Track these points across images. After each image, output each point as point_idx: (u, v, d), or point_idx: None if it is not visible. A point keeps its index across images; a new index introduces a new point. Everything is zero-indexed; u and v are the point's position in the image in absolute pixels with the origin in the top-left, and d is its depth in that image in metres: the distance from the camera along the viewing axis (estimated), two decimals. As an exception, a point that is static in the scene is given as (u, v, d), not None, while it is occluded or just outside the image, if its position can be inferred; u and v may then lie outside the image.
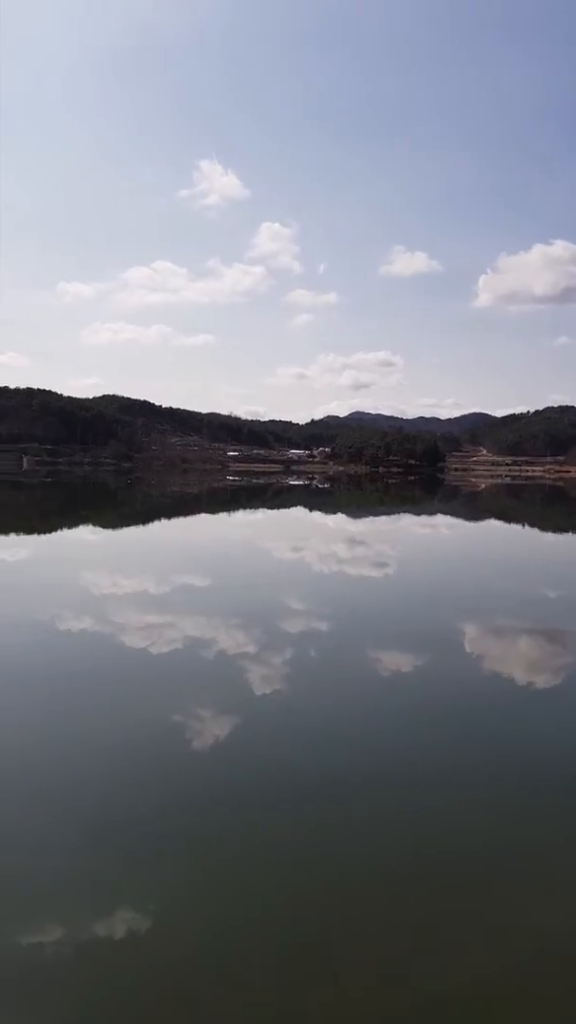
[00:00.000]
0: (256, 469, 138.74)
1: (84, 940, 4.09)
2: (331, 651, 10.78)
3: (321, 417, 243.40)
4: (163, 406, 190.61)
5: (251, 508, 48.59)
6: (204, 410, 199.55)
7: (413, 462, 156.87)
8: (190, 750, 6.76)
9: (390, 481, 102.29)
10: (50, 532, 29.93)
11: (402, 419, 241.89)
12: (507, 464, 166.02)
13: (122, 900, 4.45)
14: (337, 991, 3.82)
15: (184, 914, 4.40)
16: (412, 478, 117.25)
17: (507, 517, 45.29)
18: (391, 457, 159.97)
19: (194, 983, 3.82)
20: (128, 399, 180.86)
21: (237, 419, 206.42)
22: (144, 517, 38.73)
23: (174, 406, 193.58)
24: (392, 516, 44.47)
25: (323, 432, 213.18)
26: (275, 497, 61.18)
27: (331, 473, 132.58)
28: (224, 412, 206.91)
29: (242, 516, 41.97)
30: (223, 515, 42.19)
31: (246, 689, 8.64)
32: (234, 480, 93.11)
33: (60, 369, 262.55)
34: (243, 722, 7.51)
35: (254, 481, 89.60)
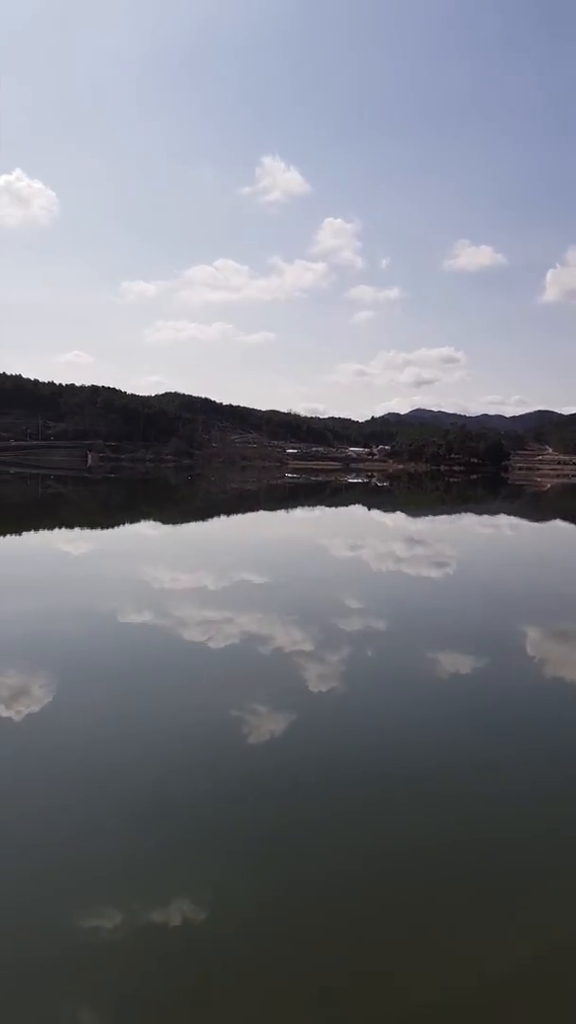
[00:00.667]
0: (315, 467, 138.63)
1: (140, 924, 4.17)
2: (387, 651, 10.69)
3: (381, 414, 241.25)
4: (223, 403, 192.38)
5: (309, 506, 48.60)
6: (264, 407, 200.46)
7: (476, 460, 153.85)
8: (243, 742, 6.80)
9: (452, 480, 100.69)
10: (112, 527, 30.61)
11: (465, 416, 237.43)
12: (574, 463, 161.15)
13: (169, 883, 4.51)
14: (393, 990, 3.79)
15: (237, 898, 4.43)
16: (474, 477, 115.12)
17: (574, 518, 43.99)
18: (453, 455, 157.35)
19: (246, 968, 3.85)
20: (189, 396, 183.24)
21: (297, 416, 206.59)
22: (203, 513, 39.22)
23: (234, 403, 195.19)
24: (453, 515, 43.77)
25: (383, 430, 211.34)
26: (333, 495, 61.02)
27: (391, 471, 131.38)
28: (284, 409, 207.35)
29: (300, 513, 42.03)
30: (281, 512, 42.35)
31: (299, 685, 8.64)
32: (293, 477, 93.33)
33: (123, 367, 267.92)
34: (295, 718, 7.51)
35: (313, 479, 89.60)
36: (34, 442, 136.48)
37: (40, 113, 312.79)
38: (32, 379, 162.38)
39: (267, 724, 7.31)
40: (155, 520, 34.10)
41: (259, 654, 9.98)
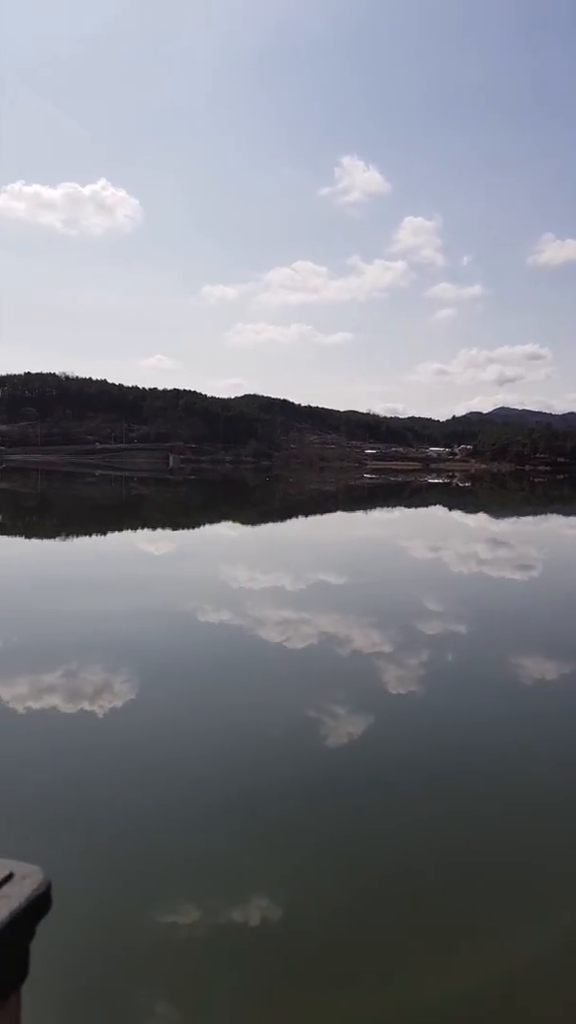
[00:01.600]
0: (394, 467, 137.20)
1: (219, 922, 4.15)
2: (467, 655, 10.38)
3: (463, 413, 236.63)
4: (302, 404, 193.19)
5: (388, 506, 48.09)
6: (342, 408, 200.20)
7: (562, 460, 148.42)
8: (317, 742, 6.71)
9: (536, 480, 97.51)
10: (192, 528, 31.17)
11: (551, 415, 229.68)
12: None
13: (242, 879, 4.47)
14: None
15: (311, 897, 4.35)
16: (561, 477, 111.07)
17: None
18: (538, 455, 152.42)
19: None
20: (268, 398, 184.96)
21: (375, 416, 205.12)
22: (281, 514, 39.41)
23: (312, 404, 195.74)
24: (539, 516, 42.32)
25: (465, 429, 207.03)
26: (413, 495, 60.17)
27: (473, 471, 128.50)
28: (362, 410, 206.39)
29: (379, 514, 41.63)
30: (359, 513, 42.06)
31: (376, 687, 8.48)
32: (371, 478, 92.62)
33: (204, 370, 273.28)
34: (371, 720, 7.37)
35: (392, 479, 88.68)
36: (118, 445, 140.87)
37: (123, 124, 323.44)
38: (117, 383, 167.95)
39: (342, 725, 7.20)
40: (234, 521, 34.49)
41: (336, 655, 9.87)
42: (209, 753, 6.50)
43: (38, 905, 0.75)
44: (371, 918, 4.35)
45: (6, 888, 0.75)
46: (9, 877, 0.76)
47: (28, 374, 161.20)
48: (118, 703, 7.62)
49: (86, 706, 7.47)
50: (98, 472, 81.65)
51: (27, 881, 0.76)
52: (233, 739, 6.84)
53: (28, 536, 25.62)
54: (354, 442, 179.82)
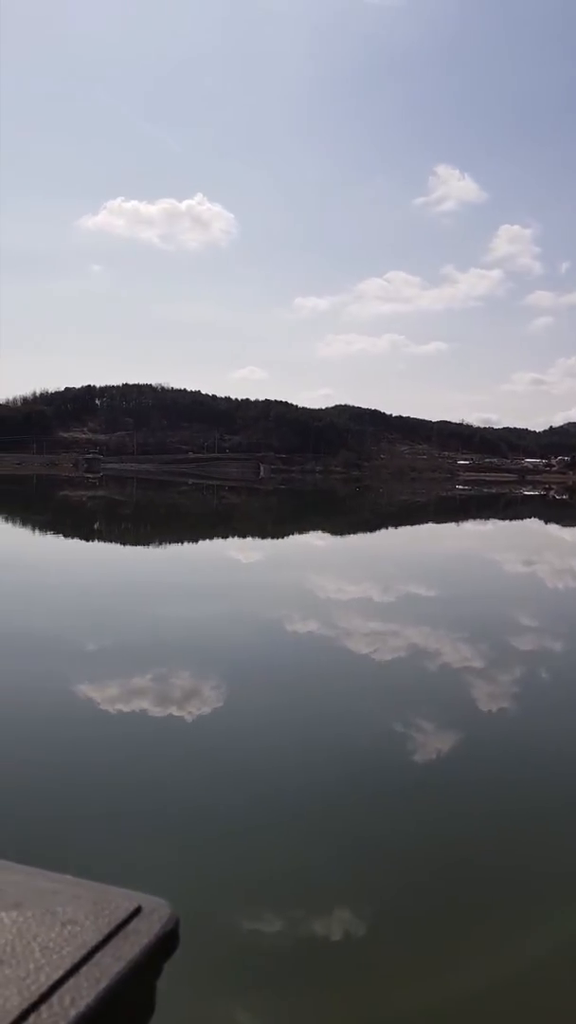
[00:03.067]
0: (487, 478, 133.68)
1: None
2: (563, 672, 9.88)
3: (561, 424, 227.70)
4: (392, 415, 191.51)
5: (481, 519, 46.84)
6: (434, 418, 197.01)
7: None
8: (404, 758, 6.52)
9: None
10: (281, 537, 31.36)
11: None
12: None
13: (322, 887, 4.37)
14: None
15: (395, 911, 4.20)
16: None
17: None
18: None
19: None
20: (358, 408, 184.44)
21: (468, 427, 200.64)
22: (371, 525, 39.09)
23: (403, 414, 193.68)
24: None
25: (562, 440, 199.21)
26: (507, 508, 58.38)
27: (570, 483, 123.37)
28: (455, 420, 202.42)
29: (471, 527, 40.61)
30: (451, 525, 41.16)
31: (465, 704, 8.19)
32: (463, 489, 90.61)
33: (295, 381, 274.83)
34: (460, 737, 7.11)
35: (485, 491, 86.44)
36: (210, 454, 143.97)
37: (219, 139, 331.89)
38: (210, 394, 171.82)
39: (431, 741, 6.99)
40: (323, 531, 34.48)
41: (425, 669, 9.63)
42: (295, 765, 6.43)
43: (167, 942, 0.70)
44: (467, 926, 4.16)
45: (135, 923, 0.70)
46: (137, 911, 0.71)
47: (126, 385, 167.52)
48: (206, 709, 7.68)
49: (174, 711, 7.57)
50: (191, 481, 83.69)
51: (155, 915, 0.71)
52: (318, 752, 6.75)
53: (122, 543, 26.50)
54: (446, 453, 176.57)
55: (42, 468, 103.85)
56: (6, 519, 31.62)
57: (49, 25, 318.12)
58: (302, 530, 34.88)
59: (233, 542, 27.60)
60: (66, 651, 9.75)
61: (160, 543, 26.46)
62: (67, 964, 0.62)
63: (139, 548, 24.92)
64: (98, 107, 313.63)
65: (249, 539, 28.81)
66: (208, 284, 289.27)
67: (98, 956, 0.64)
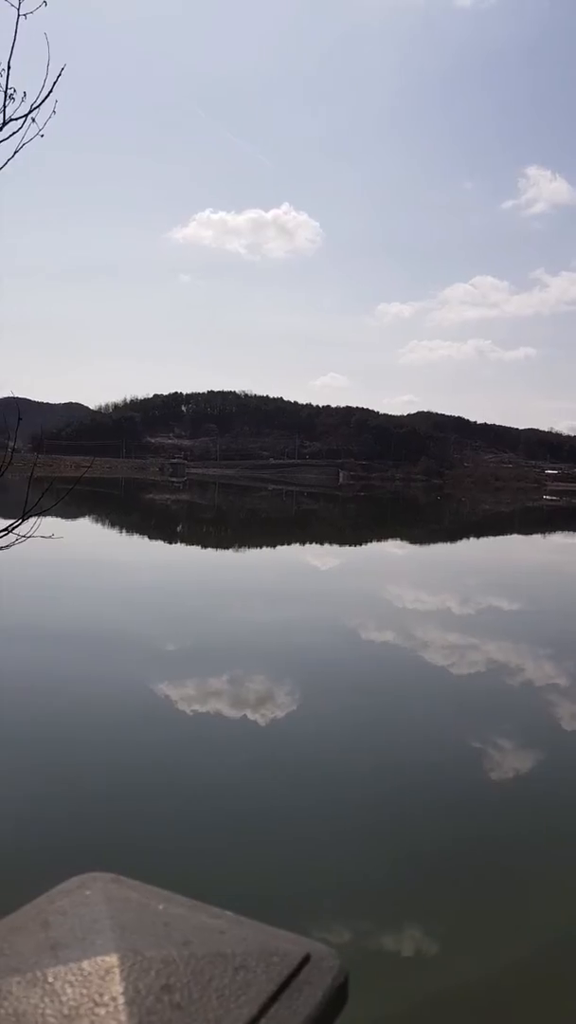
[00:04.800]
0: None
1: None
2: None
3: None
4: (477, 422, 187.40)
5: (570, 531, 45.17)
6: (521, 426, 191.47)
7: None
8: (483, 776, 6.36)
9: None
10: (359, 544, 31.20)
11: None
12: None
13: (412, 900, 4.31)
14: None
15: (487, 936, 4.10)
16: None
17: None
18: None
19: None
20: (441, 415, 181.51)
21: (558, 435, 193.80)
22: (452, 535, 38.34)
23: (488, 422, 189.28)
24: None
25: None
26: (597, 520, 56.05)
27: None
28: (543, 428, 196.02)
29: (559, 539, 39.22)
30: (536, 537, 39.86)
31: (549, 722, 7.91)
32: (551, 500, 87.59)
33: (376, 388, 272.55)
34: (542, 757, 6.87)
35: (574, 501, 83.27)
36: (291, 460, 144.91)
37: (307, 148, 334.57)
38: (292, 401, 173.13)
39: (510, 761, 6.79)
40: (402, 539, 34.09)
41: (505, 685, 9.37)
42: (365, 770, 6.38)
43: (339, 997, 0.66)
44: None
45: (306, 973, 0.66)
46: (306, 960, 0.67)
47: (211, 392, 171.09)
48: (279, 714, 7.73)
49: (247, 715, 7.66)
50: (271, 486, 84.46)
51: (325, 966, 0.67)
52: (390, 761, 6.67)
53: (203, 546, 27.01)
54: (533, 462, 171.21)
55: (130, 472, 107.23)
56: (97, 520, 32.80)
57: (146, 46, 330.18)
58: (380, 538, 34.59)
59: (311, 548, 27.66)
60: (148, 651, 10.03)
61: (239, 547, 26.82)
62: (245, 1017, 0.61)
63: (219, 552, 25.34)
64: (190, 122, 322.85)
65: (327, 545, 28.80)
66: (292, 292, 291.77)
67: (274, 1009, 0.62)
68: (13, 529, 2.35)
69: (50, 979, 0.62)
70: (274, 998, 0.63)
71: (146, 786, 5.87)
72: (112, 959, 0.64)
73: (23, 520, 2.35)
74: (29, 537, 2.35)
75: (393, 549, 28.93)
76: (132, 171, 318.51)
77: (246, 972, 0.65)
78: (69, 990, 0.61)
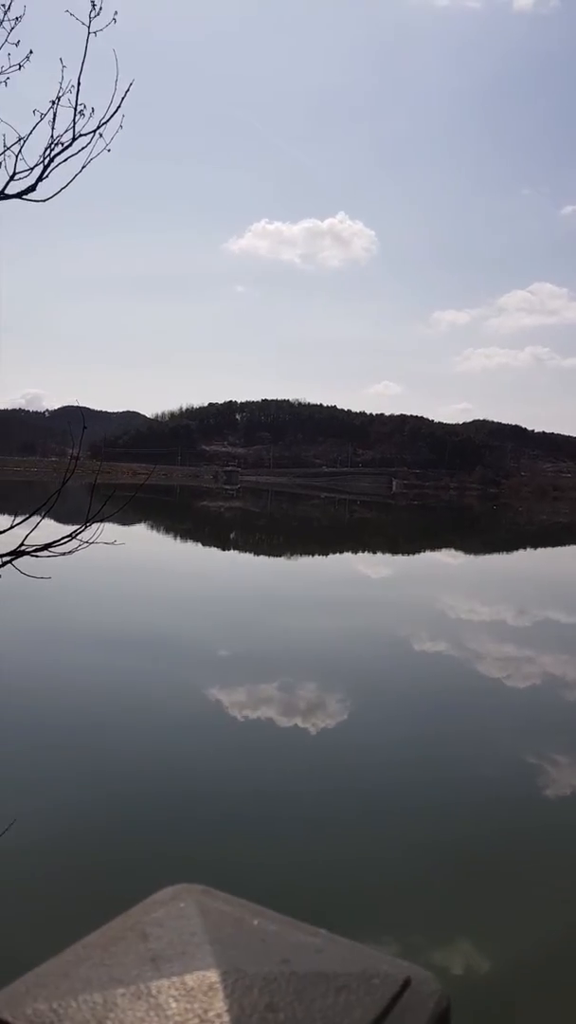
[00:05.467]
0: None
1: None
2: None
3: None
4: (534, 431, 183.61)
5: (630, 542, 43.78)
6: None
7: None
8: (538, 793, 6.23)
9: None
10: (412, 553, 30.91)
11: None
12: None
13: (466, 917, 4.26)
14: None
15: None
16: None
17: None
18: None
19: None
20: (498, 424, 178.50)
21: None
22: (507, 545, 37.63)
23: (547, 430, 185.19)
24: None
25: None
26: None
27: None
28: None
29: (618, 550, 38.07)
30: (596, 548, 38.78)
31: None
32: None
33: (431, 396, 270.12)
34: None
35: None
36: (343, 469, 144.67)
37: (362, 157, 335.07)
38: (345, 409, 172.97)
39: (566, 777, 6.64)
40: (456, 549, 33.63)
41: (563, 699, 9.16)
42: (418, 788, 6.33)
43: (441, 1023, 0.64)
44: None
45: (407, 998, 0.64)
46: (407, 984, 0.65)
47: (265, 400, 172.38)
48: (330, 723, 7.74)
49: (298, 722, 7.69)
50: (323, 494, 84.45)
51: (426, 990, 0.65)
52: (445, 779, 6.60)
53: (255, 553, 27.20)
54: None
55: (184, 479, 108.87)
56: (153, 527, 33.40)
57: (200, 62, 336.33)
58: (434, 547, 34.20)
59: (363, 557, 27.55)
60: (205, 657, 10.17)
61: (291, 555, 26.91)
62: None
63: (271, 559, 25.48)
64: (245, 134, 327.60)
65: (379, 554, 28.65)
66: (346, 301, 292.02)
67: None
68: (76, 535, 2.45)
69: (153, 992, 0.62)
70: (377, 1023, 0.62)
71: (207, 794, 5.94)
72: (214, 975, 0.64)
73: (86, 526, 2.45)
74: (92, 543, 2.45)
75: (447, 559, 28.57)
76: (188, 183, 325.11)
77: (348, 994, 0.64)
78: (174, 1004, 0.61)
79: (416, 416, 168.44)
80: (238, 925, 0.72)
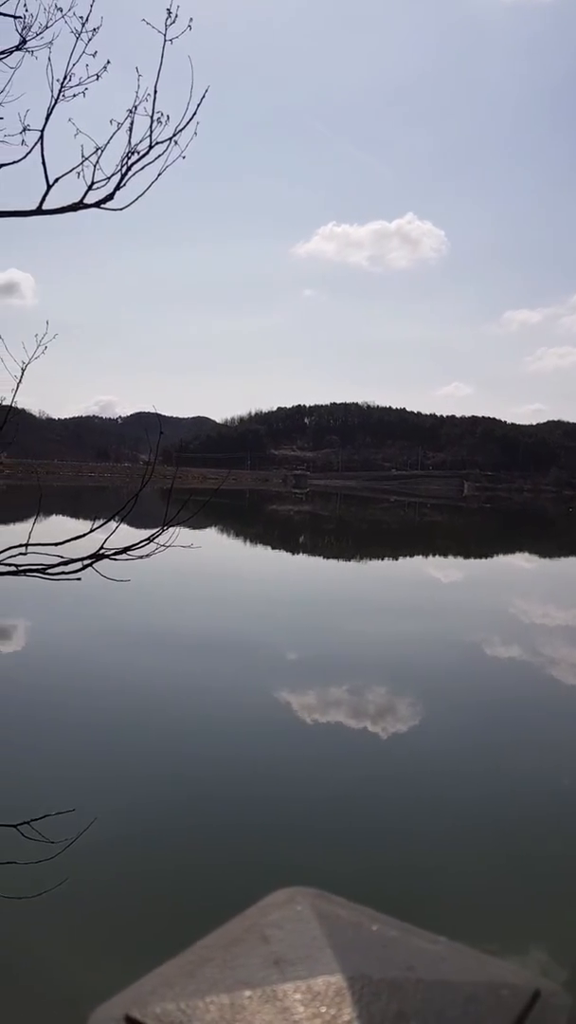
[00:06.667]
0: None
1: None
2: None
3: None
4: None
5: None
6: None
7: None
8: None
9: None
10: (483, 557, 30.27)
11: None
12: None
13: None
14: None
15: None
16: None
17: None
18: None
19: None
20: (573, 424, 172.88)
21: None
22: (585, 548, 36.37)
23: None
24: None
25: None
26: None
27: None
28: None
29: None
30: None
31: None
32: None
33: (502, 397, 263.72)
34: None
35: None
36: (413, 471, 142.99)
37: (431, 156, 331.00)
38: (415, 411, 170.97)
39: None
40: (530, 552, 32.74)
41: None
42: (483, 793, 6.20)
43: None
44: None
45: (538, 1011, 0.62)
46: (536, 996, 0.63)
47: (333, 404, 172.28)
48: (402, 727, 7.68)
49: (367, 725, 7.66)
50: (393, 498, 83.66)
51: (557, 1002, 0.63)
52: (512, 788, 6.45)
53: (324, 557, 27.19)
54: None
55: (253, 483, 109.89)
56: (223, 531, 33.87)
57: (265, 66, 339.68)
58: (507, 551, 33.39)
59: (433, 560, 27.16)
60: (275, 660, 10.26)
61: (360, 558, 26.78)
62: None
63: (339, 562, 25.43)
64: (312, 138, 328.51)
65: (450, 558, 28.18)
66: (415, 302, 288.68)
67: None
68: (154, 539, 2.52)
69: (279, 996, 0.61)
70: None
71: (280, 796, 6.01)
72: (339, 979, 0.62)
73: (163, 530, 2.53)
74: (169, 546, 2.52)
75: (522, 563, 27.85)
76: (255, 189, 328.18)
77: (476, 1005, 0.62)
78: (301, 1009, 0.60)
79: (488, 417, 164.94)
80: (357, 930, 0.70)
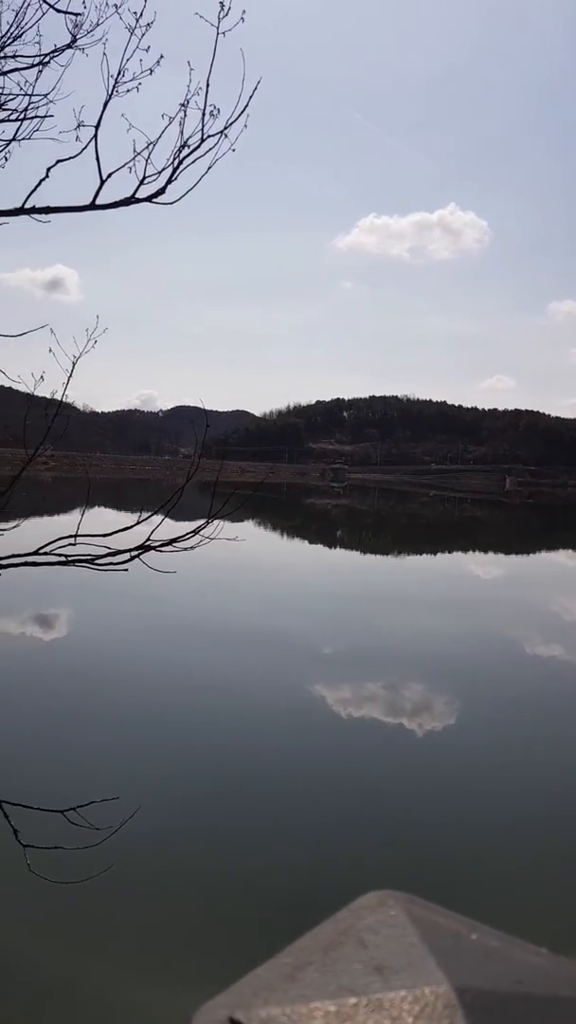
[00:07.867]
0: None
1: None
2: None
3: None
4: None
5: None
6: None
7: None
8: None
9: None
10: (525, 554, 29.80)
11: None
12: None
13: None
14: None
15: None
16: None
17: None
18: None
19: None
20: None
21: None
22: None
23: None
24: None
25: None
26: None
27: None
28: None
29: None
30: None
31: None
32: None
33: (545, 390, 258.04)
34: None
35: None
36: (453, 466, 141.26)
37: (472, 146, 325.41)
38: (455, 405, 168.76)
39: None
40: (574, 550, 32.12)
41: None
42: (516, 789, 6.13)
43: None
44: None
45: None
46: None
47: (372, 397, 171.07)
48: (438, 725, 7.62)
49: (404, 722, 7.62)
50: (432, 492, 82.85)
51: None
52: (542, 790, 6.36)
53: (362, 551, 27.09)
54: None
55: (291, 477, 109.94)
56: (261, 524, 33.99)
57: (302, 58, 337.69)
58: (550, 548, 32.80)
59: (473, 556, 26.83)
60: (317, 655, 10.27)
61: (398, 553, 26.61)
62: None
63: (377, 557, 25.30)
64: (351, 130, 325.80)
65: (491, 554, 27.80)
66: (457, 294, 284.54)
67: None
68: (199, 531, 2.55)
69: (386, 1005, 0.59)
70: None
71: (319, 792, 6.02)
72: (447, 991, 0.60)
73: (208, 522, 2.55)
74: (213, 539, 2.54)
75: (566, 560, 27.33)
76: (294, 181, 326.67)
77: None
78: (411, 1020, 0.57)
79: (531, 411, 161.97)
80: (456, 938, 0.68)
